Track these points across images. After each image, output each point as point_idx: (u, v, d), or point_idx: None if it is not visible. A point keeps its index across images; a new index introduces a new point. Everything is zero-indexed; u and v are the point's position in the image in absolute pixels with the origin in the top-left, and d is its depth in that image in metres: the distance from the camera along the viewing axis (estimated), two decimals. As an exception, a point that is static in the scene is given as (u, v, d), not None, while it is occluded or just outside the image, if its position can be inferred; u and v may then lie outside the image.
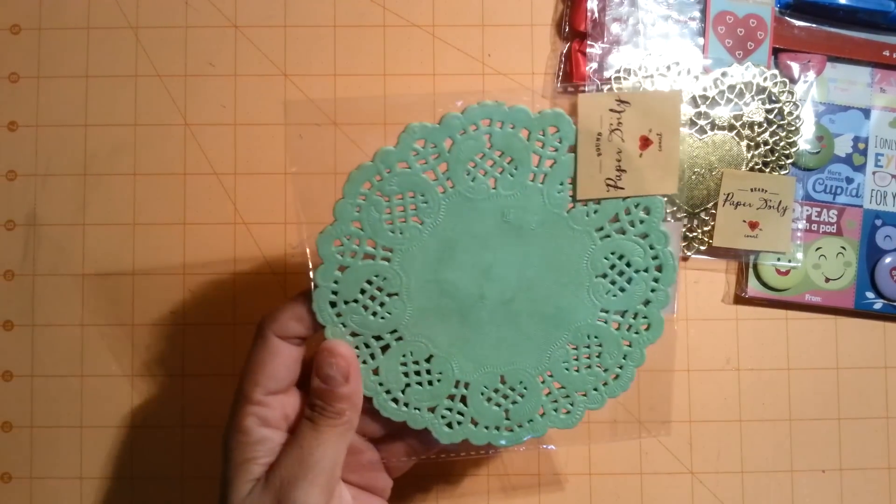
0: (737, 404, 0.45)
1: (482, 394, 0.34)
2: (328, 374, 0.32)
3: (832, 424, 0.45)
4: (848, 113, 0.46)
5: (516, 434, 0.35)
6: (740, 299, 0.45)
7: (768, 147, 0.44)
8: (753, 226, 0.44)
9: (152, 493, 0.44)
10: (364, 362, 0.34)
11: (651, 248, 0.34)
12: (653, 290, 0.34)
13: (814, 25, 0.45)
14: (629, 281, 0.34)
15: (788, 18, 0.45)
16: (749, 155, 0.44)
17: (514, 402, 0.35)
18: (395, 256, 0.33)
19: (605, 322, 0.34)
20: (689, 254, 0.44)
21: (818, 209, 0.45)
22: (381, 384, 0.34)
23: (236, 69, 0.46)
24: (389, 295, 0.33)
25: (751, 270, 0.45)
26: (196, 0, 0.46)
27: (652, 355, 0.35)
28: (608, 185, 0.33)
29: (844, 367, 0.45)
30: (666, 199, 0.34)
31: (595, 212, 0.33)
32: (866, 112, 0.46)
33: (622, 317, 0.34)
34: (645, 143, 0.33)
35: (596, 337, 0.34)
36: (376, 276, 0.33)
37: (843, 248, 0.45)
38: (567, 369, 0.35)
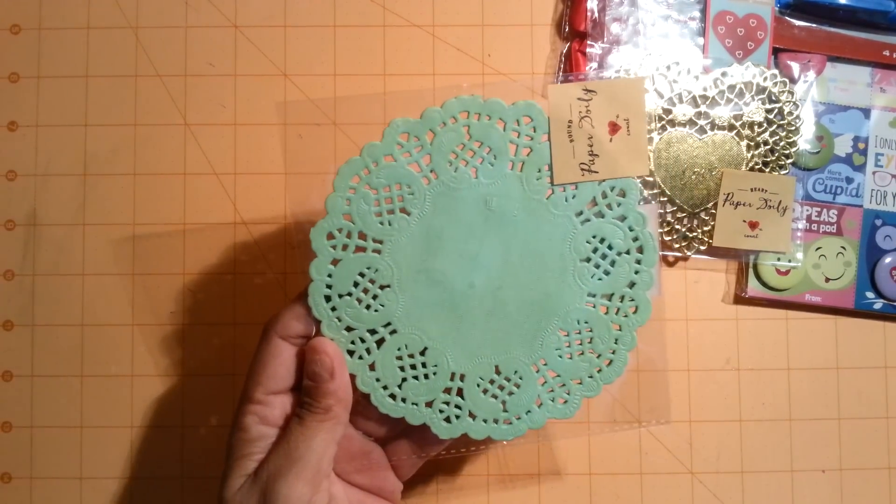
0: (737, 404, 0.45)
1: (478, 385, 0.35)
2: (314, 370, 0.33)
3: (832, 424, 0.45)
4: (848, 113, 0.46)
5: (515, 426, 0.35)
6: (740, 299, 0.45)
7: (768, 147, 0.44)
8: (753, 226, 0.44)
9: (152, 493, 0.44)
10: (360, 358, 0.34)
11: (630, 229, 0.35)
12: (636, 272, 0.35)
13: (814, 25, 0.45)
14: (612, 263, 0.35)
15: (788, 18, 0.45)
16: (749, 155, 0.44)
17: (510, 393, 0.35)
18: (385, 248, 0.34)
19: (594, 306, 0.35)
20: (689, 254, 0.44)
21: (818, 209, 0.45)
22: (377, 380, 0.34)
23: (236, 69, 0.46)
24: (382, 287, 0.34)
25: (751, 270, 0.45)
26: (196, 0, 0.46)
27: (644, 344, 0.36)
28: (582, 169, 0.34)
29: (844, 367, 0.45)
30: (640, 181, 0.35)
31: (573, 196, 0.35)
32: (866, 112, 0.46)
33: (609, 300, 0.35)
34: (614, 128, 0.35)
35: (586, 322, 0.35)
36: (368, 268, 0.34)
37: (843, 247, 0.45)
38: (560, 356, 0.35)
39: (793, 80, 0.44)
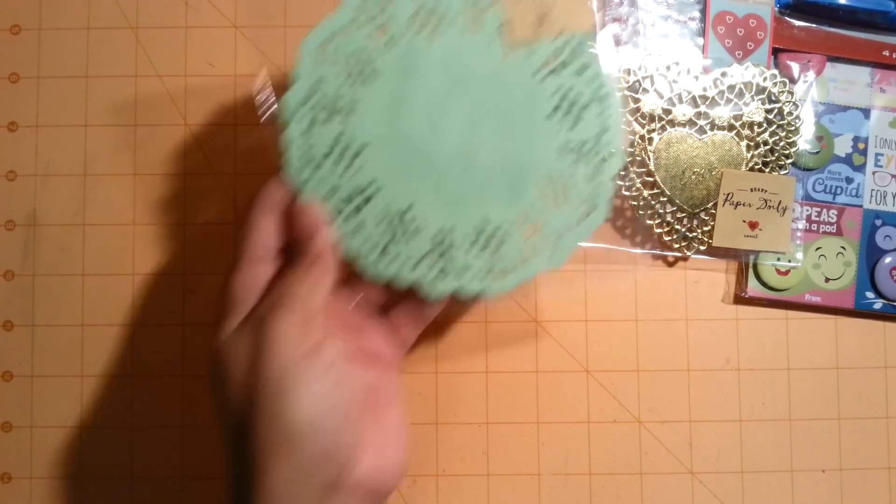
0: (737, 404, 0.45)
1: (463, 244, 0.35)
2: (300, 225, 0.33)
3: (832, 424, 0.45)
4: (848, 113, 0.46)
5: (505, 280, 0.35)
6: (740, 299, 0.45)
7: (768, 147, 0.44)
8: (753, 226, 0.44)
9: (152, 493, 0.44)
10: (342, 224, 0.34)
11: (592, 80, 0.35)
12: (602, 121, 0.35)
13: (813, 25, 0.45)
14: (578, 115, 0.35)
15: (788, 18, 0.45)
16: (749, 155, 0.44)
17: (496, 249, 0.35)
18: (354, 116, 0.34)
19: (567, 158, 0.35)
20: (689, 254, 0.44)
21: (818, 209, 0.45)
22: (361, 246, 0.35)
23: (236, 69, 0.46)
24: (356, 154, 0.34)
25: (751, 270, 0.45)
26: (196, 0, 0.46)
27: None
28: (535, 27, 0.35)
29: (844, 367, 0.45)
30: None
31: (530, 55, 0.35)
32: (866, 112, 0.46)
33: (581, 150, 0.35)
34: None
35: (561, 174, 0.35)
36: (340, 135, 0.34)
37: (843, 247, 0.45)
38: (542, 209, 0.35)
39: (793, 81, 0.44)
